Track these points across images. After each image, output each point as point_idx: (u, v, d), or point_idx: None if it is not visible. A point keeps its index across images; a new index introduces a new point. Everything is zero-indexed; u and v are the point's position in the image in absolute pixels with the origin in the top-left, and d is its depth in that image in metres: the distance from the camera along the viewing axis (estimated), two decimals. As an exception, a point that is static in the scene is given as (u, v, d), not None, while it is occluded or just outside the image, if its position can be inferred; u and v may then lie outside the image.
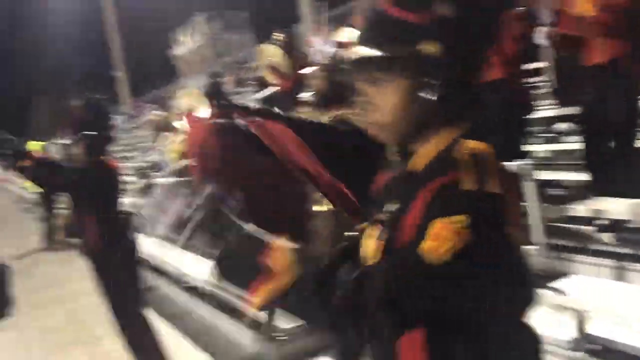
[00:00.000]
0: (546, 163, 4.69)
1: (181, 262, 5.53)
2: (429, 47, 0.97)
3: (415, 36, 0.98)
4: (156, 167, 11.44)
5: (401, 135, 1.05)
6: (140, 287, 3.40)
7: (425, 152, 1.04)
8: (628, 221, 3.26)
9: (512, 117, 4.11)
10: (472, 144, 0.99)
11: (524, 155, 3.95)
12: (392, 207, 1.06)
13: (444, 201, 0.94)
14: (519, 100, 4.20)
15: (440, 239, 0.90)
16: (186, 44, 27.53)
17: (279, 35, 7.49)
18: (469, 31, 1.00)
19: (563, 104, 4.53)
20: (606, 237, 3.36)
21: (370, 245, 1.09)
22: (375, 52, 1.00)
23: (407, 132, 1.04)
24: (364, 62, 1.03)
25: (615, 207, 3.25)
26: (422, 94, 1.00)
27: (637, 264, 3.00)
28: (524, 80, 4.53)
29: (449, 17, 0.97)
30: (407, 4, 0.99)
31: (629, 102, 3.44)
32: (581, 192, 3.85)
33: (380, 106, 1.03)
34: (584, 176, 3.77)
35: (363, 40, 1.04)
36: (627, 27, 3.26)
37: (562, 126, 5.04)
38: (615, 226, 3.34)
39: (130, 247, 3.41)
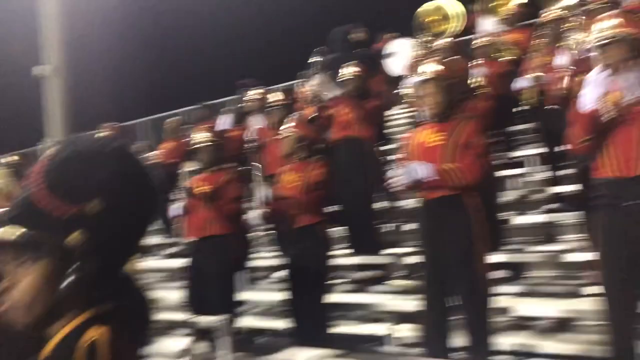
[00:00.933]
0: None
1: None
2: (75, 237, 0.99)
3: (61, 228, 0.98)
4: None
5: (37, 319, 1.02)
6: None
7: (55, 339, 1.02)
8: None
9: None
10: (93, 332, 0.98)
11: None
12: None
13: None
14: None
15: None
16: None
17: None
18: (118, 228, 1.02)
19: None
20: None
21: None
22: (19, 234, 0.99)
23: (43, 316, 1.01)
24: (5, 244, 1.00)
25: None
26: (62, 278, 0.99)
27: None
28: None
29: (101, 211, 0.99)
30: (59, 191, 0.99)
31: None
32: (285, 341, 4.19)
33: (21, 286, 1.00)
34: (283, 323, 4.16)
35: (8, 219, 1.01)
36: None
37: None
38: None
39: None
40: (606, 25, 2.88)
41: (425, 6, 8.47)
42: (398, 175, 3.17)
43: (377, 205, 5.45)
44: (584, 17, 5.02)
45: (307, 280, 4.03)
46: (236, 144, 6.42)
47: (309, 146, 4.29)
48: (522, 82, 5.48)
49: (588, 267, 4.14)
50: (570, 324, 3.95)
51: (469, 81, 4.78)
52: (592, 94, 2.80)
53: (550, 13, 5.40)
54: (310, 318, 4.02)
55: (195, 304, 4.07)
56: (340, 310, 4.86)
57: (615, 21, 2.87)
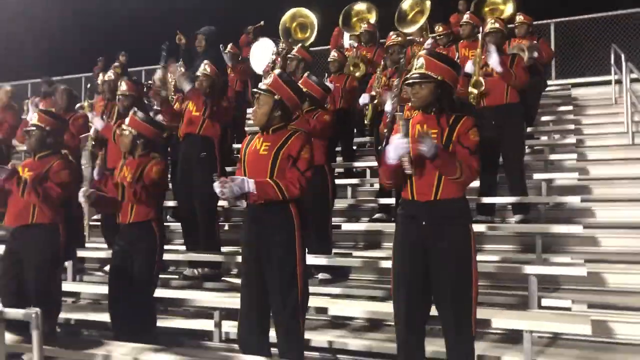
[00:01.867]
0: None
1: None
2: None
3: None
4: None
5: None
6: None
7: None
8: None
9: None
10: None
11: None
12: None
13: None
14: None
15: None
16: None
17: None
18: None
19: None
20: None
21: None
22: None
23: None
24: None
25: None
26: None
27: None
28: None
29: None
30: None
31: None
32: None
33: None
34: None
35: None
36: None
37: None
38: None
39: None
40: (416, 65, 2.95)
41: (289, 12, 8.71)
42: (224, 189, 3.16)
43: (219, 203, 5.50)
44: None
45: (134, 275, 3.96)
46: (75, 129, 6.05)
47: (146, 144, 4.12)
48: (364, 99, 5.85)
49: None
50: (381, 325, 4.34)
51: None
52: (393, 153, 2.86)
53: (394, 39, 5.71)
54: (135, 313, 3.95)
55: (7, 294, 3.84)
56: (170, 305, 4.86)
57: (422, 61, 2.94)
